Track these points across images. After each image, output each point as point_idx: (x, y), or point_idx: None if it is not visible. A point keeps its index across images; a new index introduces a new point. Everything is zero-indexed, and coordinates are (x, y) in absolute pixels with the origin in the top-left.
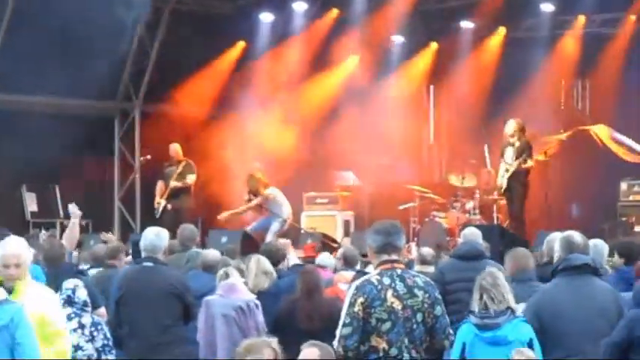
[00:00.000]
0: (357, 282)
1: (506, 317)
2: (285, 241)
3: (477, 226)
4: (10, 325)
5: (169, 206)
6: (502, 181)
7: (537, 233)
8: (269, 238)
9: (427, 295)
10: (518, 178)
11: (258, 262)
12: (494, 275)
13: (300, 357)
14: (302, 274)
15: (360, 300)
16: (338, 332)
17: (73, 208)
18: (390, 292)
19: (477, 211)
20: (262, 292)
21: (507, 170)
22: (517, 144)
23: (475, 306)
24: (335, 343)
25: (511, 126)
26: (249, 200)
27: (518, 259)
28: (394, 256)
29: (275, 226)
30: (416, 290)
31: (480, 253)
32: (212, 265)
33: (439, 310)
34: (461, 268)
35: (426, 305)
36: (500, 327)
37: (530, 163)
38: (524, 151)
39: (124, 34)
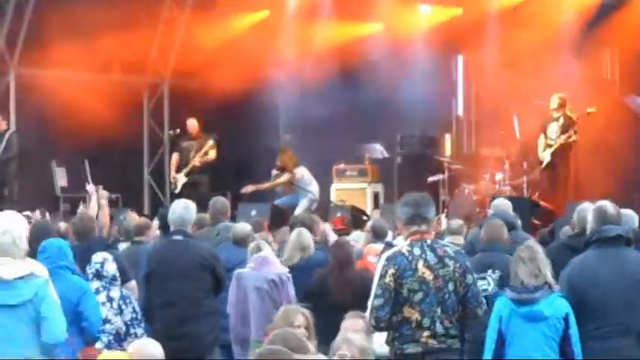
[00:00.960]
0: (388, 253)
1: (543, 292)
2: (316, 217)
3: (507, 198)
4: (34, 299)
5: (186, 181)
6: (544, 155)
7: (566, 204)
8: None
9: (458, 265)
10: (565, 153)
11: (300, 235)
12: (532, 249)
13: (343, 326)
14: (334, 247)
15: (391, 271)
16: (370, 304)
17: (99, 190)
18: (421, 263)
19: (507, 182)
20: (294, 266)
21: (550, 145)
22: (561, 119)
23: (512, 279)
24: (367, 314)
25: (555, 101)
26: (278, 176)
27: (491, 230)
28: (424, 227)
29: (304, 203)
30: (447, 260)
31: (510, 224)
32: (242, 238)
33: (470, 278)
34: None
35: (457, 274)
36: (536, 302)
37: (574, 137)
38: (570, 126)
39: None
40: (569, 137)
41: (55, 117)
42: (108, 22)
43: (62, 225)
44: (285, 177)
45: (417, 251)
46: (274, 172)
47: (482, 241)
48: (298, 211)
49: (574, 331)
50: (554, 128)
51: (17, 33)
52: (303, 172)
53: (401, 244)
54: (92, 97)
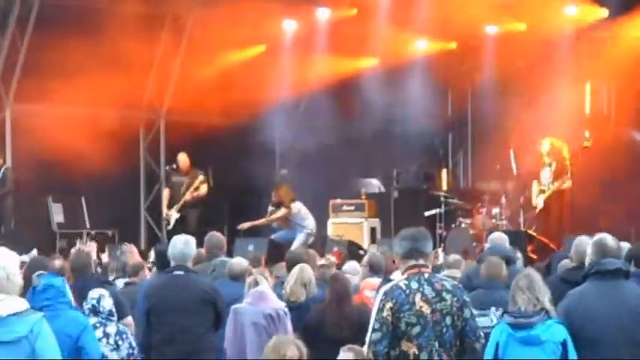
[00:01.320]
0: (386, 287)
1: (540, 317)
2: (313, 252)
3: (504, 232)
4: (29, 335)
5: (178, 217)
6: (537, 201)
7: (563, 238)
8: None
9: (455, 299)
10: (559, 199)
11: (302, 271)
12: (529, 277)
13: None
14: (331, 281)
15: (389, 305)
16: (368, 338)
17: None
18: (418, 296)
19: (504, 216)
20: (298, 304)
21: (543, 191)
22: (554, 164)
23: (510, 306)
24: (365, 348)
25: (546, 145)
26: (274, 211)
27: (491, 267)
28: (421, 261)
29: (300, 238)
30: (444, 294)
31: (508, 258)
32: (239, 273)
33: (468, 312)
34: None
35: (454, 308)
36: (533, 326)
37: (568, 184)
38: (562, 172)
39: None
40: (563, 183)
41: (52, 152)
42: (104, 58)
43: (57, 262)
44: (281, 212)
45: (414, 285)
46: (270, 207)
47: (482, 278)
48: (295, 245)
49: (572, 356)
50: (546, 174)
51: (13, 69)
52: (299, 207)
53: (398, 278)
54: (88, 132)
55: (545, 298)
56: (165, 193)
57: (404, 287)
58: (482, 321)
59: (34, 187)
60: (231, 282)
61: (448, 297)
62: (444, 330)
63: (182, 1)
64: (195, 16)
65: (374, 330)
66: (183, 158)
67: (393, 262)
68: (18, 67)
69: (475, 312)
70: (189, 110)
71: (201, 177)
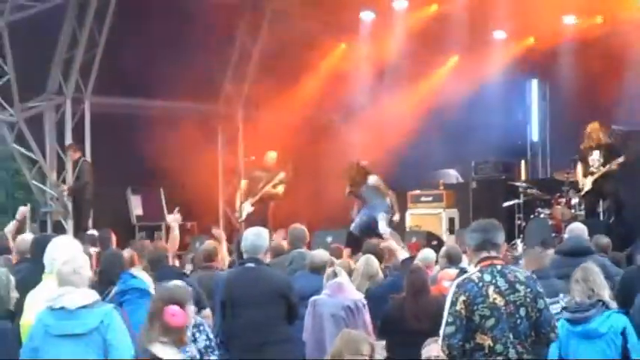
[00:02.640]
0: (458, 280)
1: (596, 310)
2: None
3: (583, 222)
4: (100, 327)
5: (251, 210)
6: (585, 182)
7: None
8: (382, 229)
9: (529, 290)
10: (614, 179)
11: (367, 263)
12: (586, 269)
13: (424, 353)
14: (409, 273)
15: (462, 298)
16: (442, 331)
17: (175, 215)
18: (491, 289)
19: (583, 206)
20: (366, 291)
21: (592, 173)
22: (603, 146)
23: (570, 301)
24: (439, 342)
25: (594, 128)
26: (351, 192)
27: (534, 258)
28: (493, 253)
29: (382, 216)
30: (517, 285)
31: (586, 248)
32: (320, 266)
33: (542, 303)
34: (566, 265)
35: (528, 299)
36: (590, 320)
37: (620, 160)
38: (613, 151)
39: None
40: (612, 165)
41: (130, 145)
42: (182, 51)
43: (126, 253)
44: (373, 181)
45: (487, 277)
46: (347, 189)
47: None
48: (381, 227)
49: (632, 344)
50: (595, 157)
51: (91, 62)
52: (380, 182)
53: (471, 270)
54: (166, 125)
55: (603, 290)
56: (243, 184)
57: (476, 280)
58: (552, 308)
59: (113, 180)
60: (312, 274)
61: (521, 288)
62: (519, 321)
63: None
64: (273, 6)
65: (447, 324)
66: (272, 156)
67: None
68: (96, 60)
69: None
70: (267, 104)
71: (281, 176)
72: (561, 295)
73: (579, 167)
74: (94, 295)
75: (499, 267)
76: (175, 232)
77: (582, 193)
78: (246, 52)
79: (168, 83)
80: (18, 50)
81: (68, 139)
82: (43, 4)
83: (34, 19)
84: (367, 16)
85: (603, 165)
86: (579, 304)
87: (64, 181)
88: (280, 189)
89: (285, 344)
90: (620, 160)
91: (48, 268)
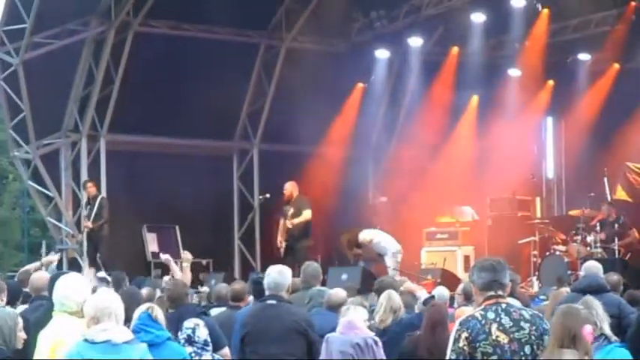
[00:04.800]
0: (462, 318)
1: (598, 344)
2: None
3: (599, 260)
4: None
5: (284, 244)
6: None
7: None
8: (392, 272)
9: (534, 327)
10: None
11: (389, 298)
12: (588, 303)
13: None
14: (429, 308)
15: (465, 335)
16: None
17: (186, 255)
18: (494, 326)
19: (599, 244)
20: (386, 329)
21: None
22: None
23: None
24: None
25: None
26: (359, 255)
27: (558, 298)
28: (500, 292)
29: (389, 260)
30: (522, 323)
31: (602, 286)
32: (337, 304)
33: (548, 340)
34: None
35: (533, 337)
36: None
37: None
38: None
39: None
40: None
41: (146, 182)
42: (196, 87)
43: (145, 291)
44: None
45: (490, 315)
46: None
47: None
48: (390, 265)
49: None
50: None
51: (107, 100)
52: (371, 236)
53: (476, 309)
54: (182, 162)
55: (604, 324)
56: (281, 222)
57: (479, 317)
58: None
59: (129, 217)
60: (328, 312)
61: (526, 326)
62: (524, 358)
63: (275, 32)
64: (287, 46)
65: None
66: (286, 187)
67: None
68: (112, 98)
69: None
70: (281, 138)
71: (299, 201)
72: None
73: None
74: (130, 333)
75: (504, 305)
76: (187, 272)
77: None
78: (261, 89)
79: (184, 120)
80: (34, 87)
81: (84, 176)
82: (59, 42)
83: (50, 56)
84: (382, 54)
85: None
86: None
87: (79, 218)
88: (306, 214)
89: None
90: None
91: (57, 306)
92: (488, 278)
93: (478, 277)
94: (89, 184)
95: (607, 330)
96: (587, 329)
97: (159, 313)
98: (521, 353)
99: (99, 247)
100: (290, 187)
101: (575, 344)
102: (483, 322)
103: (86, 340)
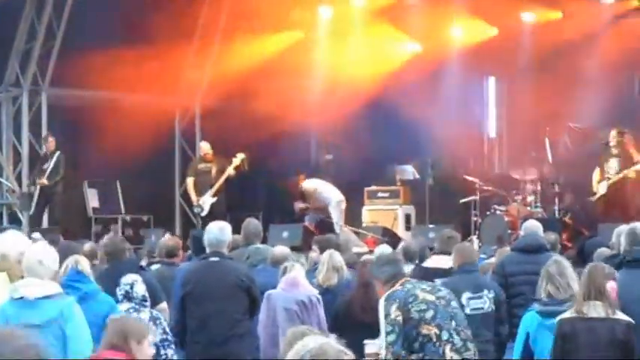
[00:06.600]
0: (384, 296)
1: (569, 304)
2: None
3: (539, 219)
4: (59, 318)
5: (213, 201)
6: (599, 188)
7: (600, 226)
8: (337, 226)
9: (448, 291)
10: (624, 186)
11: (331, 256)
12: (560, 264)
13: (366, 351)
14: (360, 266)
15: (394, 306)
16: (383, 342)
17: None
18: (418, 290)
19: (539, 204)
20: (330, 289)
21: (609, 179)
22: (621, 155)
23: (541, 293)
24: (383, 352)
25: (613, 136)
26: (304, 209)
27: (464, 252)
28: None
29: (334, 211)
30: (438, 287)
31: (541, 245)
32: (281, 260)
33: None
34: (522, 261)
35: (452, 297)
36: (563, 313)
37: (633, 174)
38: (629, 163)
39: None
40: (628, 174)
41: (87, 138)
42: (140, 42)
43: (87, 246)
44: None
45: (409, 286)
46: (298, 205)
47: (456, 264)
48: (334, 217)
49: None
50: (613, 164)
51: (49, 53)
52: (314, 185)
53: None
54: (123, 117)
55: (575, 285)
56: (190, 181)
57: (401, 289)
58: (476, 303)
59: (69, 172)
60: (272, 268)
61: (442, 288)
62: (456, 310)
63: None
64: None
65: (387, 333)
66: (206, 147)
67: (431, 249)
68: (54, 51)
69: (470, 294)
70: (225, 95)
71: (223, 160)
72: (485, 291)
73: (595, 173)
74: (55, 287)
75: (413, 281)
76: None
77: (596, 197)
78: (204, 44)
79: (126, 75)
80: None
81: (25, 131)
82: None
83: None
84: (325, 11)
85: (619, 172)
86: (553, 297)
87: (20, 173)
88: (230, 171)
89: (248, 338)
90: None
91: None
92: (392, 271)
93: (381, 272)
94: (50, 139)
95: (577, 290)
96: (611, 284)
97: (85, 265)
98: (451, 306)
99: (51, 204)
100: (209, 147)
101: (602, 298)
102: (406, 290)
103: (10, 298)
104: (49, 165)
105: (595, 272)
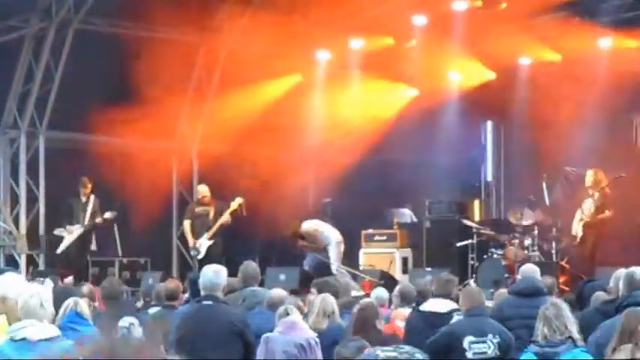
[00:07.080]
0: None
1: (565, 347)
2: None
3: (536, 263)
4: None
5: (210, 244)
6: (577, 229)
7: (598, 269)
8: (334, 267)
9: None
10: (596, 228)
11: (322, 301)
12: (557, 306)
13: None
14: (358, 309)
15: None
16: None
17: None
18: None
19: (536, 247)
20: (320, 332)
21: (582, 220)
22: (596, 195)
23: (537, 335)
24: None
25: (589, 178)
26: (305, 246)
27: (471, 296)
28: None
29: (333, 253)
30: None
31: (539, 289)
32: (277, 303)
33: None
34: (519, 305)
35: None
36: (559, 356)
37: (607, 213)
38: (605, 205)
39: None
40: (603, 215)
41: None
42: (138, 87)
43: (85, 288)
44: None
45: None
46: (300, 242)
47: (463, 306)
48: (332, 257)
49: None
50: (587, 205)
51: (47, 97)
52: (315, 226)
53: None
54: (121, 162)
55: (573, 327)
56: (186, 224)
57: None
58: (480, 347)
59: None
60: (268, 311)
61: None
62: None
63: (216, 34)
64: (228, 47)
65: None
66: (203, 190)
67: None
68: (52, 95)
69: (473, 338)
70: (222, 141)
71: (221, 204)
72: (490, 336)
73: (577, 215)
74: (55, 330)
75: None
76: None
77: (577, 241)
78: (201, 90)
79: (123, 120)
80: None
81: (22, 173)
82: None
83: None
84: (323, 55)
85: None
86: (549, 339)
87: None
88: (226, 216)
89: None
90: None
91: None
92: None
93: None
94: (89, 184)
95: (575, 333)
96: None
97: (84, 308)
98: None
99: (85, 244)
100: (206, 190)
101: (633, 340)
102: None
103: (10, 338)
104: (89, 208)
105: (628, 317)
